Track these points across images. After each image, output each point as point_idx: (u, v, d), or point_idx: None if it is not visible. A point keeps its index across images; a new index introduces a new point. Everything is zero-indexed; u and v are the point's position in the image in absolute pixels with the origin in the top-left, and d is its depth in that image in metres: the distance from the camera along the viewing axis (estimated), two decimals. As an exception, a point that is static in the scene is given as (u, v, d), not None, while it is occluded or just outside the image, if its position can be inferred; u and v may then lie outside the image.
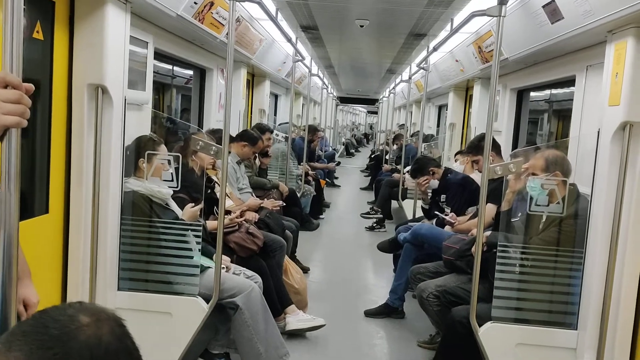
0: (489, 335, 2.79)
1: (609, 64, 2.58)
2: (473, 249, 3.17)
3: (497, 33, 2.66)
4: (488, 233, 3.12)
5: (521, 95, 4.81)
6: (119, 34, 2.67)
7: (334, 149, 15.31)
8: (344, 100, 19.31)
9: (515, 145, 4.82)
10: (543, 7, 2.98)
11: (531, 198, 2.77)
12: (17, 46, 1.07)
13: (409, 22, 4.56)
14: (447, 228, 4.14)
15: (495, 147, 4.10)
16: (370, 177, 12.12)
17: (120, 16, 2.67)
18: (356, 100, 20.62)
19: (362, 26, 4.66)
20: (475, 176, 4.79)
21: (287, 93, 9.29)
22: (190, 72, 5.21)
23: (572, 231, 2.80)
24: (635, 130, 2.46)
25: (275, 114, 8.81)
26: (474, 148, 4.09)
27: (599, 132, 2.63)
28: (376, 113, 22.60)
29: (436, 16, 4.16)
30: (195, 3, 3.27)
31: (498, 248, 2.82)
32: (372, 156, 13.75)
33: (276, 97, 8.87)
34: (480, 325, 2.80)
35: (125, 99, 2.75)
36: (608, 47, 2.60)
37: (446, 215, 4.12)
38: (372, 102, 19.46)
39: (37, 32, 2.38)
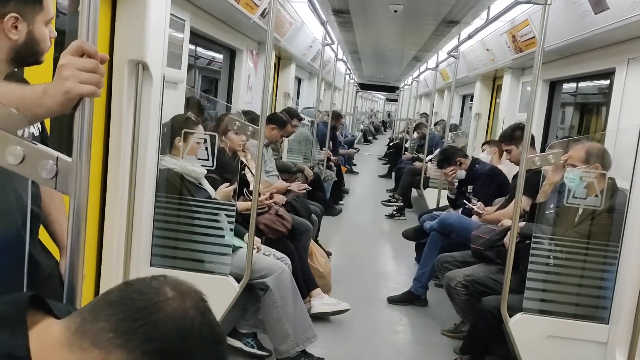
0: (520, 326, 2.78)
1: (655, 57, 2.53)
2: (506, 239, 3.16)
3: (542, 22, 2.62)
4: (521, 224, 3.09)
5: (553, 86, 4.74)
6: (160, 12, 2.67)
7: (353, 136, 15.26)
8: (364, 86, 19.21)
9: (545, 137, 4.76)
10: (588, -4, 2.92)
11: (569, 190, 2.73)
12: (93, 15, 1.06)
13: (444, 8, 4.51)
14: (475, 218, 4.11)
15: (531, 138, 4.06)
16: (388, 165, 12.09)
17: (162, -7, 2.67)
18: (376, 87, 20.50)
19: (395, 11, 4.61)
20: (503, 167, 4.76)
21: (310, 77, 9.25)
22: (213, 54, 5.21)
23: (608, 225, 2.77)
24: (680, 125, 2.41)
25: (297, 98, 8.78)
26: (507, 137, 4.05)
27: (640, 126, 2.58)
28: (395, 101, 22.48)
29: (473, 3, 4.11)
30: (234, -18, 3.26)
31: (533, 239, 2.80)
32: (391, 144, 13.70)
33: (299, 81, 8.83)
34: (510, 316, 2.79)
35: (164, 77, 2.75)
36: (655, 39, 2.55)
37: (474, 205, 4.09)
38: (392, 89, 19.34)
39: (82, 6, 2.38)
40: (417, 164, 8.15)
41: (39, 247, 1.68)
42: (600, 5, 2.86)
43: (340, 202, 7.90)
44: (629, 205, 2.64)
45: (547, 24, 2.62)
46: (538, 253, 2.80)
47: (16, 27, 1.45)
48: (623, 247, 2.67)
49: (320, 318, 3.70)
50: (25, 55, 1.51)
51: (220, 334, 0.89)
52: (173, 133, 2.97)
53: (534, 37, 4.03)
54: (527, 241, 2.89)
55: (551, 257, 2.83)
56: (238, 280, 2.89)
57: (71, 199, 1.08)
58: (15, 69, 1.60)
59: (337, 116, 8.30)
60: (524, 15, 3.95)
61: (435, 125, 8.61)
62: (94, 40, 1.07)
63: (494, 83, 6.78)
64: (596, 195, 2.73)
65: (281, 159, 5.38)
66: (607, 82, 4.20)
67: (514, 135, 3.98)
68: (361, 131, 20.23)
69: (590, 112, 4.84)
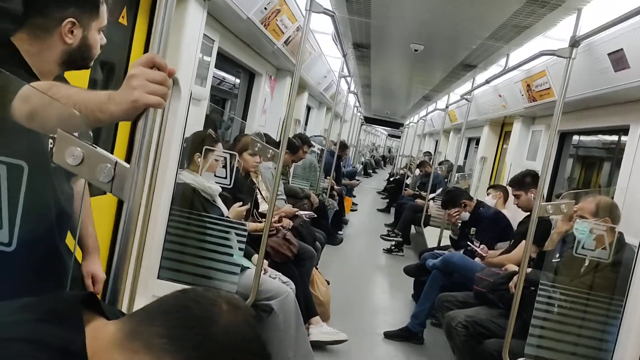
0: (520, 371, 2.78)
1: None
2: (511, 284, 3.19)
3: (565, 75, 2.70)
4: (528, 270, 3.12)
5: (563, 137, 4.82)
6: (194, 30, 2.74)
7: (354, 167, 15.34)
8: (369, 120, 19.37)
9: (552, 187, 4.82)
10: (609, 54, 3.00)
11: (578, 241, 2.77)
12: (165, 31, 1.11)
13: (463, 52, 4.61)
14: (477, 260, 4.14)
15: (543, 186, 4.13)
16: (387, 200, 12.13)
17: (198, 12, 2.74)
18: (381, 122, 20.67)
19: (416, 50, 4.71)
20: (507, 212, 4.81)
21: (319, 107, 9.36)
22: (224, 74, 5.28)
23: (614, 278, 2.79)
24: (693, 187, 2.46)
25: (306, 125, 8.87)
26: (517, 183, 4.10)
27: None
28: (397, 137, 22.64)
29: (493, 49, 4.20)
30: (265, 9, 3.34)
31: (540, 286, 2.82)
32: (392, 179, 13.77)
33: (309, 109, 8.94)
34: (510, 361, 2.79)
35: (191, 93, 2.80)
36: (672, 101, 2.62)
37: (477, 247, 4.12)
38: (396, 125, 19.51)
39: (123, 17, 2.46)
40: (418, 201, 8.20)
41: (66, 248, 1.70)
42: (621, 63, 2.95)
43: (340, 232, 7.92)
44: (636, 261, 2.67)
45: (569, 77, 2.69)
46: (543, 300, 2.82)
47: (72, 32, 1.50)
48: (628, 302, 2.68)
49: (317, 347, 3.68)
50: (77, 59, 1.57)
51: (267, 352, 0.92)
52: (193, 148, 3.01)
53: (549, 87, 4.11)
54: (532, 287, 2.91)
55: (556, 305, 2.85)
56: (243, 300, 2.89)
57: (125, 204, 1.11)
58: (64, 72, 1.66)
59: (344, 146, 8.37)
60: (542, 66, 4.04)
61: (439, 164, 8.68)
62: (163, 54, 1.11)
63: (502, 129, 6.87)
64: (604, 248, 2.76)
65: (288, 183, 5.42)
66: (611, 137, 4.30)
67: (524, 181, 4.04)
68: (362, 164, 20.34)
69: (592, 166, 4.91)
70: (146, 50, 2.65)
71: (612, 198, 3.25)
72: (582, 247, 2.78)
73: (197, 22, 2.75)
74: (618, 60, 2.97)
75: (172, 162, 2.78)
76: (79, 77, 1.96)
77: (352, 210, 10.44)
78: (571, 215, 2.92)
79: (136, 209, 1.11)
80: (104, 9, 1.58)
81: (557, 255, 3.10)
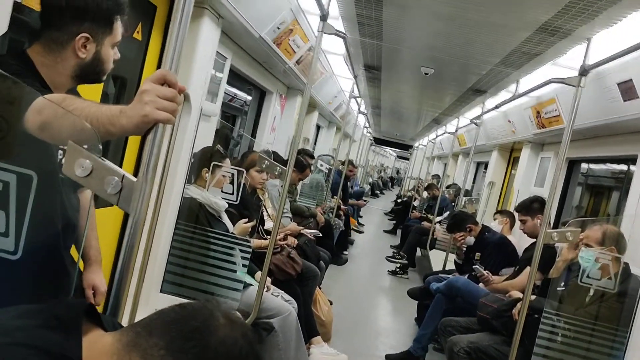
0: (521, 400, 2.75)
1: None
2: (514, 310, 3.16)
3: (574, 103, 2.71)
4: (532, 297, 3.10)
5: (572, 165, 4.81)
6: (208, 47, 2.78)
7: (362, 188, 15.34)
8: (378, 141, 19.42)
9: (559, 214, 4.80)
10: (618, 84, 3.01)
11: (583, 270, 2.75)
12: (179, 47, 1.13)
13: (473, 77, 4.64)
14: (481, 285, 4.12)
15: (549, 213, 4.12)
16: (394, 222, 12.11)
17: (212, 30, 2.78)
18: (390, 143, 20.71)
19: (426, 74, 4.75)
20: (512, 238, 4.79)
21: (329, 126, 9.40)
22: (233, 91, 5.33)
23: (619, 309, 2.77)
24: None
25: (315, 144, 8.91)
26: (524, 208, 4.10)
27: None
28: (406, 159, 22.65)
29: (503, 75, 4.23)
30: (278, 28, 3.38)
31: (543, 314, 2.80)
32: (399, 201, 13.75)
33: (318, 128, 8.98)
34: (512, 389, 2.77)
35: (202, 109, 2.84)
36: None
37: (482, 272, 4.10)
38: (405, 147, 19.53)
39: (137, 32, 2.50)
40: (425, 223, 8.18)
41: (70, 258, 1.71)
42: (630, 94, 2.95)
43: (345, 252, 7.90)
44: (642, 292, 2.65)
45: (578, 106, 2.70)
46: (547, 328, 2.79)
47: (85, 47, 1.53)
48: (632, 333, 2.66)
49: (317, 367, 3.67)
50: (89, 73, 1.59)
51: None
52: (201, 164, 3.03)
53: (558, 115, 4.12)
54: (536, 315, 2.89)
55: (559, 334, 2.82)
56: (245, 318, 2.89)
57: (130, 217, 1.12)
58: (76, 85, 1.69)
59: (352, 166, 8.39)
60: (551, 93, 4.05)
61: (447, 188, 8.67)
62: (175, 70, 1.13)
63: (511, 154, 6.87)
64: (609, 278, 2.74)
65: (295, 201, 5.43)
66: (620, 166, 4.29)
67: (531, 207, 4.03)
68: (370, 184, 20.35)
69: (601, 195, 4.90)
70: (159, 65, 2.69)
71: (619, 227, 3.24)
72: (587, 276, 2.76)
73: (210, 39, 2.79)
74: (627, 90, 2.98)
75: (179, 176, 2.81)
76: (92, 91, 1.99)
77: (355, 231, 10.43)
78: (577, 243, 2.90)
79: (141, 222, 1.12)
80: (118, 25, 1.61)
81: (562, 283, 3.07)
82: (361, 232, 10.80)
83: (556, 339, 2.82)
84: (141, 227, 1.13)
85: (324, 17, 2.79)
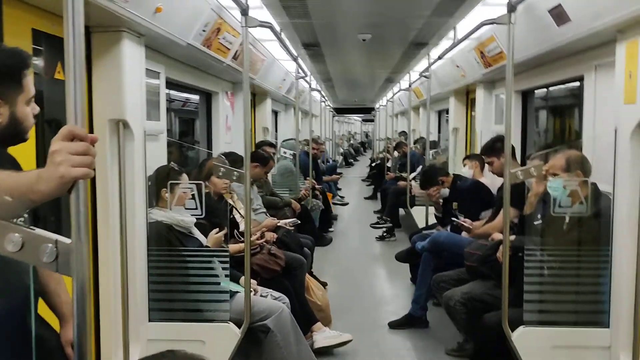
0: (523, 339, 2.80)
1: (620, 63, 2.60)
2: (498, 253, 3.19)
3: (509, 41, 2.70)
4: (512, 237, 3.13)
5: (526, 96, 4.84)
6: (135, 68, 2.70)
7: (334, 161, 15.34)
8: (340, 111, 19.37)
9: (524, 145, 4.85)
10: (549, 11, 3.01)
11: (554, 199, 2.78)
12: (80, 99, 1.08)
13: (411, 32, 4.61)
14: (464, 234, 4.15)
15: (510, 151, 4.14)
16: (373, 187, 12.16)
17: (135, 50, 2.70)
18: (352, 110, 20.70)
19: (364, 40, 4.71)
20: (486, 180, 4.82)
21: (286, 109, 9.32)
22: (187, 95, 5.24)
23: (597, 230, 2.81)
24: (653, 126, 2.48)
25: (276, 131, 8.83)
26: (488, 150, 4.12)
27: (616, 130, 2.65)
28: (372, 121, 22.68)
29: (439, 25, 4.21)
30: (204, 30, 3.30)
31: (525, 252, 2.83)
32: (373, 165, 13.79)
33: (276, 113, 8.90)
34: (512, 330, 2.80)
35: (145, 131, 2.77)
36: (618, 46, 2.62)
37: (462, 221, 4.12)
38: (368, 111, 19.52)
39: (59, 72, 2.41)
40: (401, 183, 8.21)
41: (39, 321, 1.67)
42: (562, 18, 2.95)
43: (330, 229, 7.92)
44: (613, 208, 2.69)
45: (513, 42, 2.69)
46: (531, 265, 2.83)
47: None
48: (614, 250, 2.70)
49: (324, 352, 3.68)
50: (10, 136, 1.53)
51: None
52: (158, 185, 2.98)
53: (501, 51, 4.13)
54: (520, 254, 2.92)
55: (545, 267, 2.86)
56: (238, 326, 2.88)
57: (73, 280, 1.09)
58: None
59: (317, 143, 8.37)
60: (490, 32, 4.05)
61: (415, 143, 8.70)
62: (82, 123, 1.08)
63: (467, 97, 6.89)
64: (581, 202, 2.78)
65: (268, 194, 5.39)
66: (578, 83, 4.31)
67: (494, 147, 4.05)
68: (341, 155, 20.36)
69: (563, 114, 4.94)
70: (90, 100, 2.61)
71: (581, 150, 3.28)
72: (559, 206, 2.79)
73: (136, 59, 2.71)
74: (559, 15, 2.97)
75: (139, 203, 2.75)
76: (25, 146, 1.91)
77: (340, 204, 10.45)
78: (545, 175, 2.92)
79: (86, 283, 1.08)
80: (28, 80, 1.55)
81: (539, 216, 3.10)
82: (346, 204, 10.84)
83: (543, 273, 2.86)
84: (87, 287, 1.09)
85: (244, 12, 2.73)
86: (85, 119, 1.10)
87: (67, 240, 1.08)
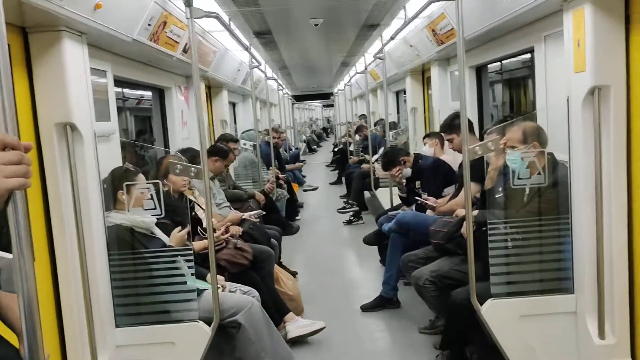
0: (492, 312, 2.83)
1: (568, 32, 2.63)
2: (462, 229, 3.21)
3: (458, 17, 2.69)
4: (475, 212, 3.15)
5: (479, 71, 4.88)
6: (79, 68, 2.59)
7: (297, 149, 15.27)
8: (299, 98, 19.27)
9: (481, 119, 4.89)
10: (495, -16, 3.02)
11: (513, 172, 2.81)
12: (9, 107, 1.01)
13: (362, 14, 4.58)
14: (429, 212, 4.17)
15: (469, 125, 4.16)
16: (337, 172, 12.16)
17: (78, 49, 2.60)
18: (311, 96, 20.62)
19: (316, 25, 4.66)
20: (447, 156, 4.86)
21: (244, 100, 9.21)
22: (141, 92, 5.11)
23: (556, 199, 2.85)
24: (604, 93, 2.51)
25: (235, 122, 8.72)
26: (447, 127, 4.14)
27: (568, 99, 2.68)
28: (332, 106, 22.66)
29: (389, 5, 4.19)
30: (149, 25, 3.20)
31: (488, 226, 2.86)
32: (336, 150, 13.79)
33: (234, 105, 8.78)
34: (481, 304, 2.84)
35: (94, 133, 2.68)
36: (565, 15, 2.64)
37: (426, 200, 4.14)
38: (327, 96, 19.48)
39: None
40: (364, 166, 8.23)
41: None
42: (506, -9, 2.96)
43: (297, 217, 7.89)
44: (571, 176, 2.73)
45: (462, 17, 2.69)
46: (495, 238, 2.86)
47: None
48: (573, 217, 2.75)
49: (298, 342, 3.67)
50: None
51: None
52: (114, 187, 2.90)
53: (452, 28, 4.14)
54: (484, 228, 2.94)
55: (509, 239, 2.89)
56: (208, 324, 2.83)
57: (19, 295, 1.03)
58: None
59: (277, 132, 8.30)
60: (440, 9, 4.05)
61: (375, 125, 8.71)
62: (13, 131, 1.02)
63: (424, 76, 6.92)
64: (539, 173, 2.81)
65: (231, 188, 5.32)
66: (529, 55, 4.36)
67: (453, 124, 4.07)
68: (304, 142, 20.30)
69: (518, 87, 4.99)
70: (33, 105, 2.50)
71: (537, 121, 3.31)
72: (518, 178, 2.82)
73: (78, 58, 2.60)
74: (504, -12, 2.99)
75: (95, 208, 2.66)
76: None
77: (310, 190, 10.44)
78: (503, 149, 2.95)
79: (34, 298, 1.03)
80: None
81: (500, 189, 3.13)
82: (316, 188, 10.84)
83: (507, 245, 2.90)
84: (35, 301, 1.03)
85: (188, 3, 2.65)
86: (16, 125, 1.04)
87: (8, 256, 1.02)
